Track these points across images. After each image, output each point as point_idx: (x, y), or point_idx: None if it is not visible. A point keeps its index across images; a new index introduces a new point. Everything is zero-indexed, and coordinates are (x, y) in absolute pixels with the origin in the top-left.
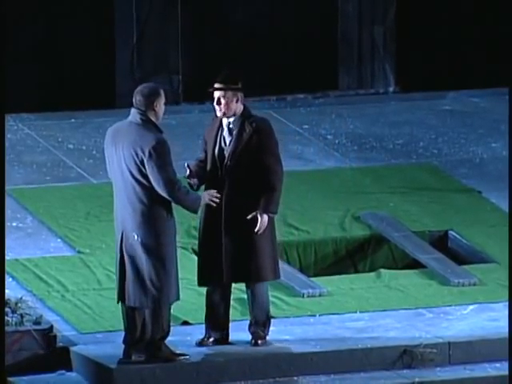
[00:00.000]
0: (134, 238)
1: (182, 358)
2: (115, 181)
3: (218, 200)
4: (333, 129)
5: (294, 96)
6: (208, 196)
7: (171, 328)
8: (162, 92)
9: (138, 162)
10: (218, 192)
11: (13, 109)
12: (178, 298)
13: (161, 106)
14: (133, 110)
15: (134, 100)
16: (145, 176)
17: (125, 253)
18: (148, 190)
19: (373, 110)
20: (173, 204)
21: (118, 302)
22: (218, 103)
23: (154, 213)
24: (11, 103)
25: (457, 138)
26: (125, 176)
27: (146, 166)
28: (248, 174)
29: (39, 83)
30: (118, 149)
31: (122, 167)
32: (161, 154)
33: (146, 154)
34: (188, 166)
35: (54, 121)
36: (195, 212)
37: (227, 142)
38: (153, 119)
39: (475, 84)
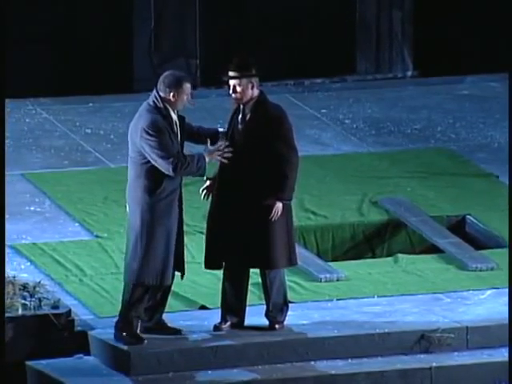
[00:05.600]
0: (126, 208)
1: (143, 343)
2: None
3: (230, 154)
4: (350, 113)
5: (311, 80)
6: (216, 154)
7: (189, 313)
8: (184, 84)
9: (133, 141)
10: (228, 178)
11: (31, 93)
12: (164, 282)
13: (180, 96)
14: (153, 91)
15: (158, 82)
16: (138, 153)
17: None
18: (138, 167)
19: (391, 95)
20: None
21: None
22: (234, 91)
23: (142, 191)
24: (29, 88)
25: (475, 123)
26: (130, 151)
27: (139, 146)
28: (260, 161)
29: (57, 68)
30: (130, 126)
31: (130, 143)
32: (152, 135)
33: (139, 134)
34: (207, 178)
35: (72, 105)
36: (202, 176)
37: (240, 129)
38: (168, 106)
39: (493, 68)
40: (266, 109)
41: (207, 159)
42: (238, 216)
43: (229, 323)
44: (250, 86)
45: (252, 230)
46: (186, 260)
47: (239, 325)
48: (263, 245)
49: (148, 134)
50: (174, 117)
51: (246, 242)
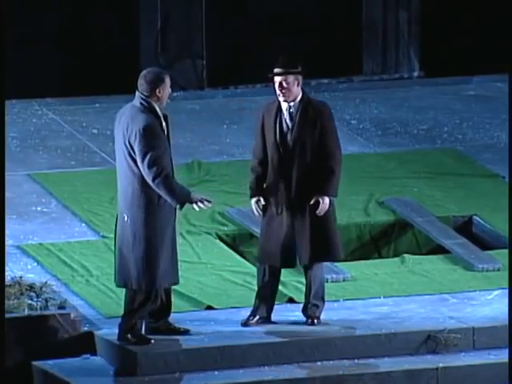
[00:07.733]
0: (124, 218)
1: (149, 343)
2: (116, 163)
3: (209, 205)
4: (357, 114)
5: (318, 81)
6: (198, 201)
7: (196, 313)
8: (166, 78)
9: (128, 145)
10: (279, 176)
11: (38, 94)
12: (173, 283)
13: (164, 91)
14: (136, 94)
15: (138, 83)
16: (134, 159)
17: (117, 233)
18: (138, 172)
19: (397, 95)
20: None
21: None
22: (281, 88)
23: (144, 196)
24: (36, 88)
25: (481, 123)
26: (120, 158)
27: (135, 149)
28: (311, 158)
29: (64, 68)
30: (118, 132)
31: (119, 149)
32: (146, 137)
33: (133, 136)
34: (258, 200)
35: (79, 106)
36: (177, 206)
37: (290, 127)
38: (155, 105)
39: (499, 69)
40: (314, 105)
41: (190, 198)
42: (299, 214)
43: (257, 317)
44: (295, 83)
45: (313, 225)
46: (191, 261)
47: (267, 319)
48: (327, 238)
49: (144, 136)
50: (161, 116)
51: (310, 238)
